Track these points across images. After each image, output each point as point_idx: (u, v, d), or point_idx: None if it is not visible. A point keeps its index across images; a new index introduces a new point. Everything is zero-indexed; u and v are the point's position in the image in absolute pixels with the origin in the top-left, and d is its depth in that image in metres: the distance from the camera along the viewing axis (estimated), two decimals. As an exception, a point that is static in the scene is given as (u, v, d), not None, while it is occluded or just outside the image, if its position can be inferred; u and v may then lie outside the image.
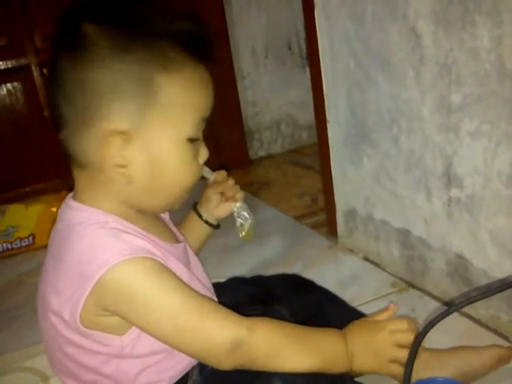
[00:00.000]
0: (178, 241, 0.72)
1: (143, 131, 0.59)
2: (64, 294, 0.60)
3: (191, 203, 0.84)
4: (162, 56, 0.59)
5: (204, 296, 0.62)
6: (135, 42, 0.58)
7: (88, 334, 0.60)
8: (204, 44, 0.61)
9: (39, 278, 0.65)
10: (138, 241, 0.60)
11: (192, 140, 0.62)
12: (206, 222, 0.83)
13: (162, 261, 0.60)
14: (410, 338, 0.64)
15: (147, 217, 0.68)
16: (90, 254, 0.58)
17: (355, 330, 0.67)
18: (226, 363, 0.61)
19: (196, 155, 0.64)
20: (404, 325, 0.66)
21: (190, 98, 0.61)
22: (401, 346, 0.65)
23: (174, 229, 0.75)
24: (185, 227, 0.83)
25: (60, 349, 0.64)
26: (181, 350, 0.62)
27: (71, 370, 0.64)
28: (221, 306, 0.62)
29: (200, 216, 0.83)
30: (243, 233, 0.81)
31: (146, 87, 0.58)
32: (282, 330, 0.64)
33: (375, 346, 0.65)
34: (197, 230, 0.84)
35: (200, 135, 0.64)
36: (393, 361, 0.65)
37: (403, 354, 0.64)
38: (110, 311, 0.59)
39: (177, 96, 0.60)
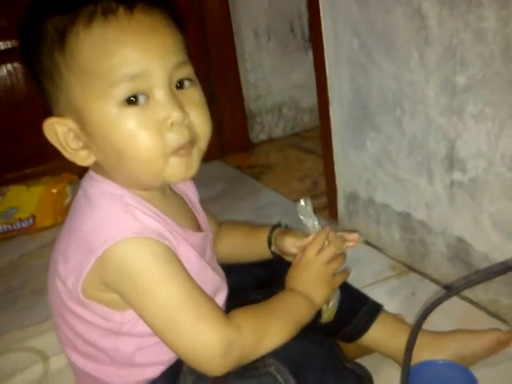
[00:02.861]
0: (199, 228, 0.70)
1: (75, 108, 0.58)
2: (71, 263, 0.60)
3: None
4: (72, 23, 0.56)
5: (203, 293, 0.60)
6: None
7: (89, 305, 0.60)
8: None
9: (55, 243, 0.65)
10: (151, 221, 0.59)
11: (130, 101, 0.56)
12: (273, 253, 0.79)
13: (171, 246, 0.59)
14: (330, 249, 0.71)
15: (170, 199, 0.67)
16: (100, 226, 0.58)
17: (295, 277, 0.70)
18: (217, 368, 0.59)
19: (146, 117, 0.57)
20: (318, 242, 0.71)
21: (104, 56, 0.55)
22: (329, 260, 0.70)
23: (201, 215, 0.73)
24: (247, 237, 0.81)
25: (62, 316, 0.64)
26: (170, 347, 0.60)
27: (71, 339, 0.65)
28: (217, 307, 0.60)
29: (269, 244, 0.79)
30: (326, 314, 0.72)
31: (56, 64, 0.57)
32: (257, 313, 0.63)
33: (315, 275, 0.70)
34: (258, 249, 0.80)
35: (151, 92, 0.57)
36: (334, 274, 0.71)
37: (336, 264, 0.71)
38: (110, 287, 0.59)
39: (89, 58, 0.56)
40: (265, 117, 2.10)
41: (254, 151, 2.05)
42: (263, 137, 2.12)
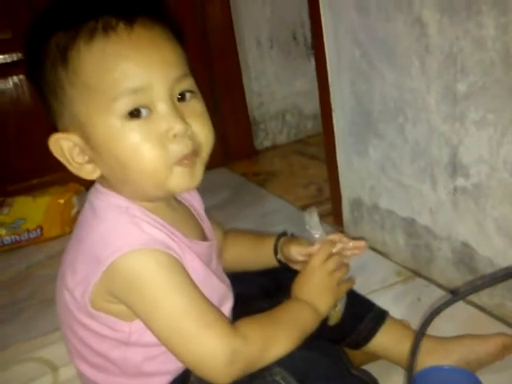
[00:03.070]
0: (205, 238, 0.71)
1: (79, 123, 0.59)
2: (79, 275, 0.61)
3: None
4: (73, 39, 0.57)
5: (208, 302, 0.61)
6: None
7: (97, 316, 0.61)
8: (126, 8, 0.58)
9: (63, 255, 0.66)
10: (157, 232, 0.60)
11: (133, 114, 0.57)
12: (279, 261, 0.79)
13: (177, 256, 0.60)
14: (335, 259, 0.72)
15: (176, 210, 0.68)
16: (107, 238, 0.59)
17: (300, 286, 0.71)
18: (222, 377, 0.59)
19: (149, 130, 0.58)
20: (324, 252, 0.72)
21: (105, 71, 0.56)
22: (334, 269, 0.72)
23: (207, 225, 0.74)
24: (253, 245, 0.81)
25: (71, 328, 0.65)
26: (177, 356, 0.60)
27: (80, 350, 0.65)
28: (222, 316, 0.61)
29: (275, 252, 0.79)
30: (333, 318, 0.73)
31: (60, 80, 0.58)
32: (263, 322, 0.64)
33: (320, 285, 0.71)
34: (264, 257, 0.80)
35: (153, 106, 0.58)
36: (338, 284, 0.72)
37: (340, 274, 0.72)
38: (117, 298, 0.60)
39: (90, 73, 0.57)
40: (269, 124, 2.11)
41: (258, 158, 2.06)
42: (267, 144, 2.13)
